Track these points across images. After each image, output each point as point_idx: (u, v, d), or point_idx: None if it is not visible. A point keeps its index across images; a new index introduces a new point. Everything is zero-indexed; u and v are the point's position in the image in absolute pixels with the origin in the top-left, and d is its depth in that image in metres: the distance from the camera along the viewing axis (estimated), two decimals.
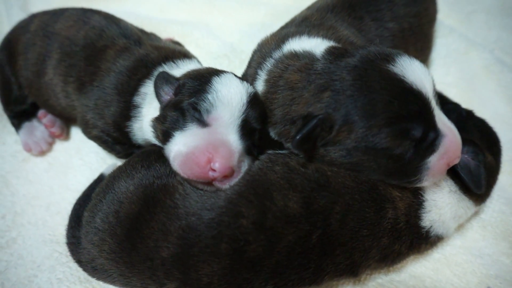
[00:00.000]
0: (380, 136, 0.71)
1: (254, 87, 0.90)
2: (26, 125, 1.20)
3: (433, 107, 0.73)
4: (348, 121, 0.73)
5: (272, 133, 0.88)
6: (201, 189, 0.78)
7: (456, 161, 0.77)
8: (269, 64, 0.89)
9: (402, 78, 0.72)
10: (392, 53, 0.76)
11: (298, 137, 0.74)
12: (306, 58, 0.83)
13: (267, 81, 0.88)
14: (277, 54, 0.90)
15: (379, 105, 0.70)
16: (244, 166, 0.80)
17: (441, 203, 0.85)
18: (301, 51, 0.86)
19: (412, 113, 0.71)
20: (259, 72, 0.90)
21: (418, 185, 0.79)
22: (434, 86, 0.76)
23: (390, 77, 0.72)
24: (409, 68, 0.73)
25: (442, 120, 0.75)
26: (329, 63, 0.78)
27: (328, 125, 0.74)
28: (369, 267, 0.82)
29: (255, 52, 1.01)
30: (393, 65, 0.73)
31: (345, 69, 0.75)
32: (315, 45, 0.86)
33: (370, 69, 0.73)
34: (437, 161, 0.75)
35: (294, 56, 0.86)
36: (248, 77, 0.98)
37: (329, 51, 0.81)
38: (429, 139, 0.73)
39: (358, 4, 1.07)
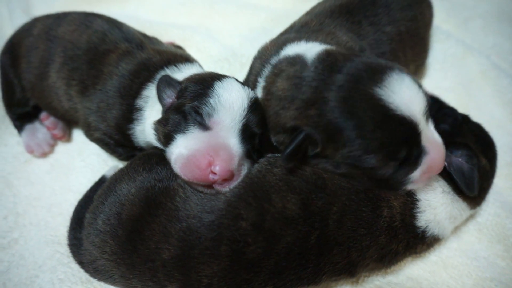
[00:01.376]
0: (366, 158, 0.72)
1: (254, 94, 0.91)
2: (29, 127, 1.21)
3: (420, 130, 0.72)
4: (333, 141, 0.73)
5: (272, 139, 0.90)
6: (202, 192, 0.79)
7: (438, 172, 0.80)
8: (267, 71, 0.90)
9: (387, 104, 0.70)
10: (381, 69, 0.73)
11: (286, 153, 0.75)
12: (298, 64, 0.83)
13: (264, 87, 0.89)
14: (274, 60, 0.90)
15: (363, 132, 0.70)
16: (244, 170, 0.81)
17: (435, 203, 0.86)
18: (294, 55, 0.86)
19: (397, 139, 0.71)
20: (259, 79, 0.92)
21: (402, 192, 0.82)
22: (425, 102, 0.74)
23: (373, 102, 0.70)
24: (396, 90, 0.71)
25: (427, 136, 0.75)
26: (317, 74, 0.76)
27: (314, 141, 0.76)
28: (366, 267, 0.83)
29: (255, 59, 1.02)
30: (379, 87, 0.71)
31: (331, 88, 0.73)
32: (309, 49, 0.86)
33: (355, 92, 0.71)
34: (420, 176, 0.77)
35: (288, 61, 0.86)
36: (249, 84, 0.99)
37: (320, 58, 0.80)
38: (414, 157, 0.74)
39: (355, 9, 1.09)
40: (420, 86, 0.76)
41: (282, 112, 0.80)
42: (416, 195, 0.85)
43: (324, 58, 0.79)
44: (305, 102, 0.76)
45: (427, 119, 0.76)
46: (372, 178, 0.77)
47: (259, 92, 0.90)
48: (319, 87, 0.75)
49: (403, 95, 0.71)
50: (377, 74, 0.73)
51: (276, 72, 0.86)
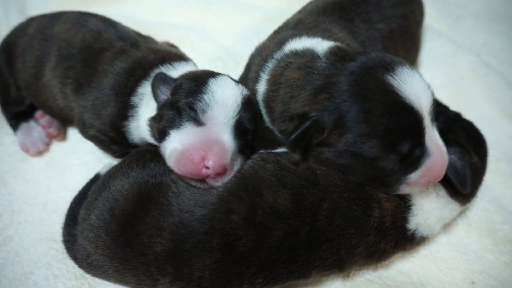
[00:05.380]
0: (368, 145, 0.72)
1: (255, 89, 0.92)
2: (24, 126, 1.22)
3: (425, 125, 0.72)
4: (339, 125, 0.74)
5: (274, 130, 0.90)
6: (195, 186, 0.80)
7: (438, 179, 0.78)
8: (271, 65, 0.90)
9: (397, 91, 0.71)
10: (393, 62, 0.75)
11: (292, 137, 0.75)
12: (308, 56, 0.84)
13: (269, 80, 0.89)
14: (278, 55, 0.91)
15: (370, 115, 0.70)
16: (237, 165, 0.83)
17: (428, 207, 0.86)
18: (303, 49, 0.86)
19: (402, 128, 0.70)
20: (261, 74, 0.92)
21: (393, 193, 0.81)
22: (432, 102, 0.75)
23: (385, 88, 0.71)
24: (407, 81, 0.72)
25: (432, 138, 0.74)
26: (330, 64, 0.78)
27: (321, 127, 0.76)
28: (356, 263, 0.85)
29: (254, 56, 1.03)
30: (391, 76, 0.72)
31: (343, 73, 0.74)
32: (316, 43, 0.87)
33: (367, 77, 0.72)
34: (418, 178, 0.76)
35: (296, 54, 0.86)
36: (248, 80, 0.99)
37: (332, 51, 0.81)
38: (415, 156, 0.73)
39: (348, 7, 1.10)
40: (428, 86, 0.76)
41: (291, 100, 0.81)
42: (410, 200, 0.85)
43: (336, 52, 0.81)
44: (315, 88, 0.77)
45: (432, 120, 0.75)
46: (370, 172, 0.77)
47: (262, 86, 0.91)
48: (331, 74, 0.76)
49: (413, 87, 0.72)
50: (390, 64, 0.74)
51: (283, 65, 0.87)
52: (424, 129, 0.73)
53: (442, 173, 0.77)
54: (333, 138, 0.76)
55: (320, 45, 0.85)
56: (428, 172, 0.75)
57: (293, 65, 0.84)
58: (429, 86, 0.76)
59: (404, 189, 0.78)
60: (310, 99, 0.77)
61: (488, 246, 0.99)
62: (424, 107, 0.72)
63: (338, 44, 0.86)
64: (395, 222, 0.83)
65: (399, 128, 0.71)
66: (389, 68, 0.73)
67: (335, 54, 0.80)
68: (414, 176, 0.75)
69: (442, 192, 0.89)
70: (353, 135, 0.73)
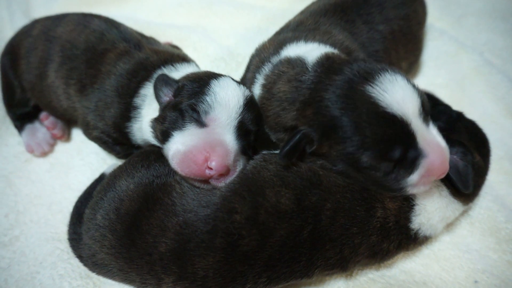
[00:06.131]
0: (359, 156, 0.73)
1: (251, 91, 0.93)
2: (29, 127, 1.23)
3: (413, 128, 0.72)
4: (328, 138, 0.75)
5: (271, 136, 0.92)
6: (198, 187, 0.81)
7: (442, 176, 0.77)
8: (266, 69, 0.92)
9: (377, 101, 0.71)
10: (374, 71, 0.75)
11: (284, 151, 0.77)
12: (299, 66, 0.85)
13: (263, 86, 0.91)
14: (274, 60, 0.92)
15: (356, 128, 0.71)
16: (239, 165, 0.83)
17: (431, 207, 0.87)
18: (295, 57, 0.88)
19: (388, 136, 0.71)
20: (257, 76, 0.93)
21: (403, 195, 0.81)
22: (420, 102, 0.74)
23: (366, 100, 0.72)
24: (388, 89, 0.72)
25: (427, 139, 0.74)
26: (316, 77, 0.80)
27: (310, 139, 0.77)
28: (358, 262, 0.85)
29: (253, 57, 1.04)
30: (371, 86, 0.73)
31: (327, 88, 0.76)
32: (309, 51, 0.89)
33: (349, 91, 0.74)
34: (418, 179, 0.75)
35: (289, 63, 0.88)
36: (246, 80, 1.01)
37: (320, 62, 0.83)
38: (409, 159, 0.73)
39: (349, 8, 1.11)
40: (415, 87, 0.76)
41: (283, 113, 0.83)
42: (413, 200, 0.85)
43: (323, 62, 0.83)
44: (303, 103, 0.79)
45: (425, 120, 0.75)
46: (370, 179, 0.77)
47: (258, 89, 0.92)
48: (316, 88, 0.78)
49: (394, 94, 0.72)
50: (371, 74, 0.75)
51: (277, 73, 0.88)
52: (413, 132, 0.72)
53: (445, 170, 0.76)
54: (324, 149, 0.78)
55: (312, 54, 0.86)
56: (427, 172, 0.74)
57: (284, 77, 0.86)
58: (415, 87, 0.76)
59: (410, 191, 0.78)
60: (298, 113, 0.79)
61: (491, 245, 0.99)
62: (410, 111, 0.72)
63: (329, 51, 0.88)
64: (398, 222, 0.84)
65: (386, 136, 0.71)
66: (370, 78, 0.74)
67: (321, 65, 0.82)
68: (413, 178, 0.75)
69: (445, 192, 0.89)
70: (342, 147, 0.74)
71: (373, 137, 0.71)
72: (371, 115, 0.71)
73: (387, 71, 0.76)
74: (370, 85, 0.73)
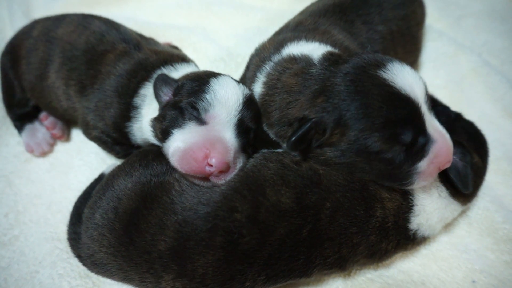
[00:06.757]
0: (371, 139, 0.74)
1: (251, 89, 0.93)
2: (28, 127, 1.23)
3: (423, 112, 0.74)
4: (340, 124, 0.75)
5: (270, 133, 0.92)
6: (198, 184, 0.81)
7: (448, 165, 0.79)
8: (268, 67, 0.92)
9: (391, 83, 0.74)
10: (383, 59, 0.79)
11: (293, 139, 0.77)
12: (304, 61, 0.86)
13: (265, 83, 0.91)
14: (276, 58, 0.92)
15: (369, 110, 0.73)
16: (239, 163, 0.84)
17: (430, 208, 0.87)
18: (299, 54, 0.89)
19: (401, 118, 0.73)
20: (258, 74, 0.93)
21: (409, 188, 0.81)
22: (426, 91, 0.77)
23: (379, 82, 0.74)
24: (399, 74, 0.75)
25: (433, 126, 0.76)
26: (324, 69, 0.81)
27: (322, 128, 0.77)
28: (357, 262, 0.85)
29: (253, 57, 1.04)
30: (383, 71, 0.75)
31: (338, 75, 0.78)
32: (312, 49, 0.89)
33: (361, 75, 0.76)
34: (427, 166, 0.76)
35: (292, 59, 0.89)
36: (246, 80, 1.01)
37: (326, 57, 0.84)
38: (419, 144, 0.75)
39: (348, 8, 1.11)
40: (420, 77, 0.79)
41: (290, 106, 0.83)
42: (412, 200, 0.86)
43: (329, 57, 0.84)
44: (313, 92, 0.79)
45: (429, 109, 0.78)
46: (377, 167, 0.77)
47: (259, 87, 0.92)
48: (326, 77, 0.79)
49: (406, 78, 0.75)
50: (381, 62, 0.78)
51: (280, 69, 0.89)
52: (423, 116, 0.75)
53: (450, 158, 0.78)
54: (335, 137, 0.77)
55: (315, 52, 0.88)
56: (436, 158, 0.76)
57: (290, 71, 0.86)
58: (420, 77, 0.79)
59: (417, 181, 0.78)
60: (308, 103, 0.79)
61: (488, 245, 0.99)
62: (419, 96, 0.75)
63: (331, 50, 0.89)
64: (397, 222, 0.84)
65: (399, 118, 0.73)
66: (380, 65, 0.77)
67: (328, 60, 0.83)
68: (423, 164, 0.76)
69: (444, 193, 0.89)
70: (355, 132, 0.74)
71: (387, 117, 0.72)
72: (385, 97, 0.73)
73: (395, 60, 0.79)
74: (383, 70, 0.75)
